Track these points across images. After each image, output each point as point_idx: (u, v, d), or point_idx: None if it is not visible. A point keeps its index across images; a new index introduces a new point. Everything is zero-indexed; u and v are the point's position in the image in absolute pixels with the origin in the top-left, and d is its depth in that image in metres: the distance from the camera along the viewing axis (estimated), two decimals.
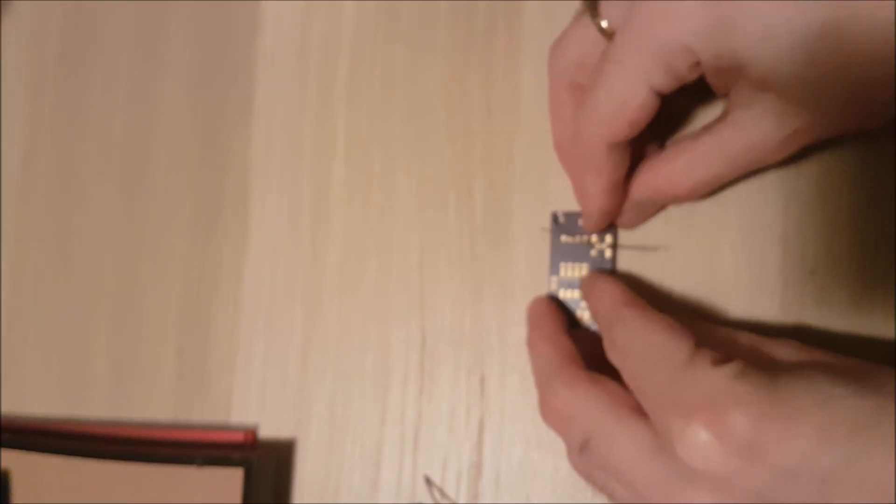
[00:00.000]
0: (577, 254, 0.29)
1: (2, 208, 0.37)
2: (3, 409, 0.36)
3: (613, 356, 0.24)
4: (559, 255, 0.29)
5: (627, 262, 0.29)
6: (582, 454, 0.23)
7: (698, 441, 0.19)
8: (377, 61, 0.33)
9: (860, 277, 0.27)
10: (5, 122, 0.38)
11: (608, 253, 0.29)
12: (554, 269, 0.29)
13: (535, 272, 0.30)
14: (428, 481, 0.29)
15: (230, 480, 0.30)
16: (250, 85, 0.34)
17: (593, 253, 0.29)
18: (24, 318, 0.36)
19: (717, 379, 0.20)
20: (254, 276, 0.33)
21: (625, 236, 0.29)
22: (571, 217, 0.29)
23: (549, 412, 0.24)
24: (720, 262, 0.28)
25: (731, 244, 0.28)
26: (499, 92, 0.31)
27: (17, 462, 0.33)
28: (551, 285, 0.29)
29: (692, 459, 0.19)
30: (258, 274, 0.33)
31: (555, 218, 0.29)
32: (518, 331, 0.30)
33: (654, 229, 0.29)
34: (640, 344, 0.22)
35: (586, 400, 0.23)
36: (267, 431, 0.32)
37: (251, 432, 0.32)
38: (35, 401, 0.36)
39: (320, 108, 0.33)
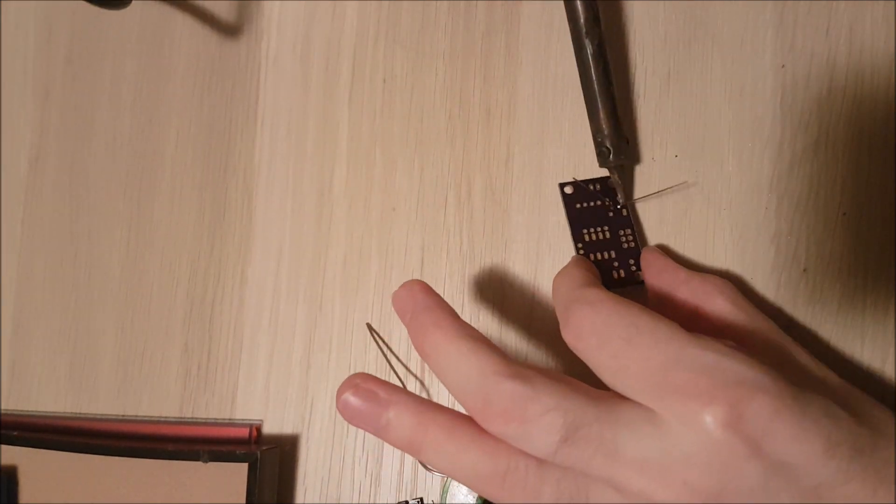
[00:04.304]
0: (596, 217, 0.29)
1: (11, 209, 0.38)
2: (11, 406, 0.36)
3: (577, 336, 0.22)
4: (579, 222, 0.29)
5: None
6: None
7: (712, 421, 0.19)
8: (378, 64, 0.33)
9: (852, 276, 0.27)
10: (13, 125, 0.38)
11: (624, 212, 0.29)
12: (577, 237, 0.29)
13: (532, 272, 0.30)
14: (370, 328, 0.29)
15: (235, 475, 0.30)
16: (254, 88, 0.35)
17: (611, 214, 0.29)
18: (33, 315, 0.37)
19: (736, 364, 0.20)
20: (258, 275, 0.34)
21: (640, 192, 0.29)
22: (579, 186, 0.29)
23: (574, 333, 0.22)
24: (714, 260, 0.28)
25: (725, 243, 0.28)
26: (497, 94, 0.31)
27: (25, 458, 0.33)
28: (578, 252, 0.29)
29: (696, 440, 0.19)
30: (262, 273, 0.34)
31: (562, 189, 0.30)
32: (517, 329, 0.30)
33: (648, 229, 0.29)
34: (624, 323, 0.21)
35: (611, 317, 0.22)
36: (271, 427, 0.33)
37: (256, 428, 0.32)
38: (43, 397, 0.36)
39: (323, 110, 0.34)
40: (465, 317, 0.31)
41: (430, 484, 0.30)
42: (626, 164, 0.29)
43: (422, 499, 0.30)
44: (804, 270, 0.27)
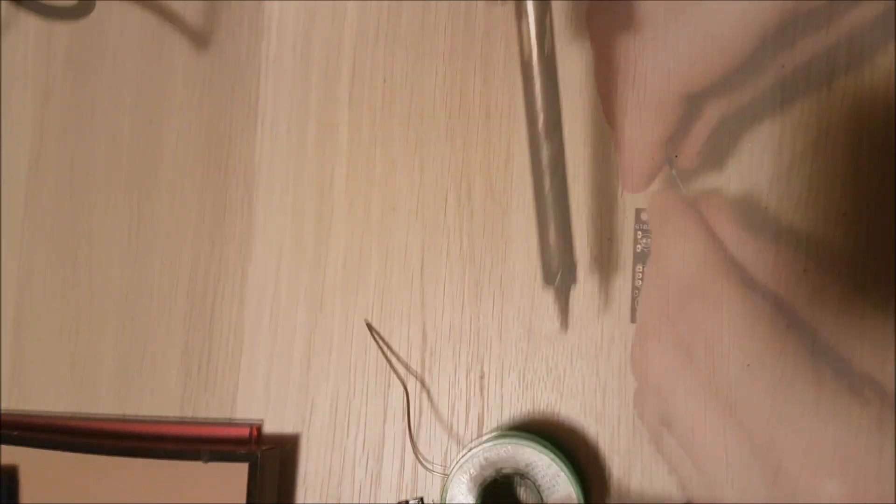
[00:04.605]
0: None
1: (11, 209, 0.38)
2: (11, 406, 0.36)
3: None
4: None
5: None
6: None
7: None
8: (378, 65, 0.33)
9: (852, 276, 0.27)
10: (14, 126, 0.38)
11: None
12: None
13: (533, 272, 0.30)
14: (370, 327, 0.29)
15: (236, 475, 0.30)
16: (254, 88, 0.35)
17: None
18: (34, 316, 0.37)
19: None
20: (258, 276, 0.34)
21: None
22: None
23: None
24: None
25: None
26: (497, 96, 0.31)
27: (25, 458, 0.33)
28: None
29: None
30: (263, 273, 0.34)
31: None
32: (516, 328, 0.30)
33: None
34: None
35: None
36: (271, 427, 0.33)
37: (256, 428, 0.32)
38: (44, 397, 0.36)
39: (323, 111, 0.34)
40: (465, 317, 0.31)
41: (430, 484, 0.30)
42: (571, 285, 0.29)
43: (422, 499, 0.30)
44: (804, 270, 0.27)
